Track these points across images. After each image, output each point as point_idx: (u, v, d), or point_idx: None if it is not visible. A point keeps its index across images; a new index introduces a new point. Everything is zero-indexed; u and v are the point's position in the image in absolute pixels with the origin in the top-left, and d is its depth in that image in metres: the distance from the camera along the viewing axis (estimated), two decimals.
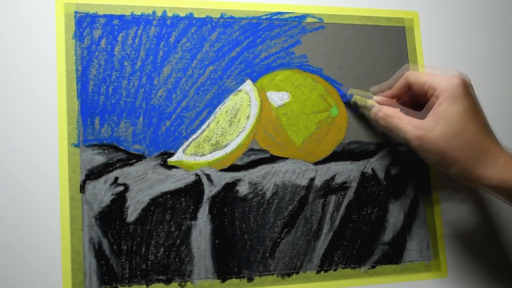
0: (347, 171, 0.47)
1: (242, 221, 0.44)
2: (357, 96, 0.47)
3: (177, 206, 0.42)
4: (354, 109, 0.48)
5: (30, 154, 0.40)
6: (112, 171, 0.42)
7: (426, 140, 0.39)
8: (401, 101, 0.45)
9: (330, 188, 0.46)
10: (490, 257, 0.49)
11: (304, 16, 0.48)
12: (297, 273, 0.44)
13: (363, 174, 0.47)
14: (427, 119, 0.40)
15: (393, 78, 0.45)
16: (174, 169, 0.43)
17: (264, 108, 0.46)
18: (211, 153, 0.44)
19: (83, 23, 0.43)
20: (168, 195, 0.42)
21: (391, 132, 0.44)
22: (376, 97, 0.45)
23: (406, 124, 0.41)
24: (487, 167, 0.39)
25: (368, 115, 0.47)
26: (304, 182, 0.45)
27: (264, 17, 0.47)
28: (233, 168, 0.44)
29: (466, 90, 0.40)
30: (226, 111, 0.45)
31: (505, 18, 0.55)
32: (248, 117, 0.45)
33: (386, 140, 0.48)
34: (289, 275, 0.44)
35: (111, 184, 0.41)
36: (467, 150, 0.39)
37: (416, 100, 0.44)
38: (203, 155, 0.44)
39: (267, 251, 0.44)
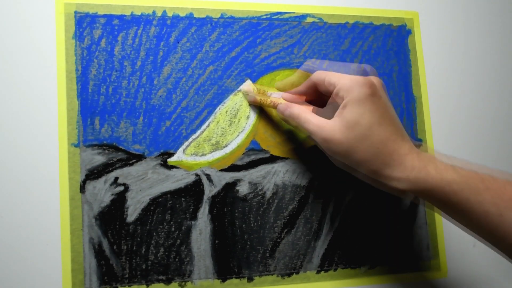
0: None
1: (242, 221, 0.44)
2: (256, 88, 0.45)
3: (177, 206, 0.42)
4: None
5: (30, 154, 0.40)
6: (112, 171, 0.42)
7: (332, 143, 0.38)
8: (309, 100, 0.43)
9: (330, 188, 0.46)
10: (490, 258, 0.49)
11: (304, 16, 0.48)
12: (297, 273, 0.44)
13: None
14: (333, 120, 0.38)
15: (297, 72, 0.44)
16: (174, 169, 0.43)
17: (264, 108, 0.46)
18: (211, 153, 0.44)
19: (83, 23, 0.43)
20: (168, 195, 0.42)
21: (299, 130, 0.42)
22: (284, 94, 0.43)
23: (312, 125, 0.39)
24: (395, 170, 0.37)
25: (270, 111, 0.46)
26: (304, 182, 0.45)
27: (264, 17, 0.47)
28: (233, 168, 0.44)
29: (373, 90, 0.37)
30: (226, 111, 0.45)
31: (505, 17, 0.55)
32: (248, 117, 0.45)
33: None
34: (289, 275, 0.44)
35: (111, 184, 0.41)
36: (373, 153, 0.37)
37: (325, 100, 0.42)
38: (203, 155, 0.44)
39: (267, 251, 0.44)
